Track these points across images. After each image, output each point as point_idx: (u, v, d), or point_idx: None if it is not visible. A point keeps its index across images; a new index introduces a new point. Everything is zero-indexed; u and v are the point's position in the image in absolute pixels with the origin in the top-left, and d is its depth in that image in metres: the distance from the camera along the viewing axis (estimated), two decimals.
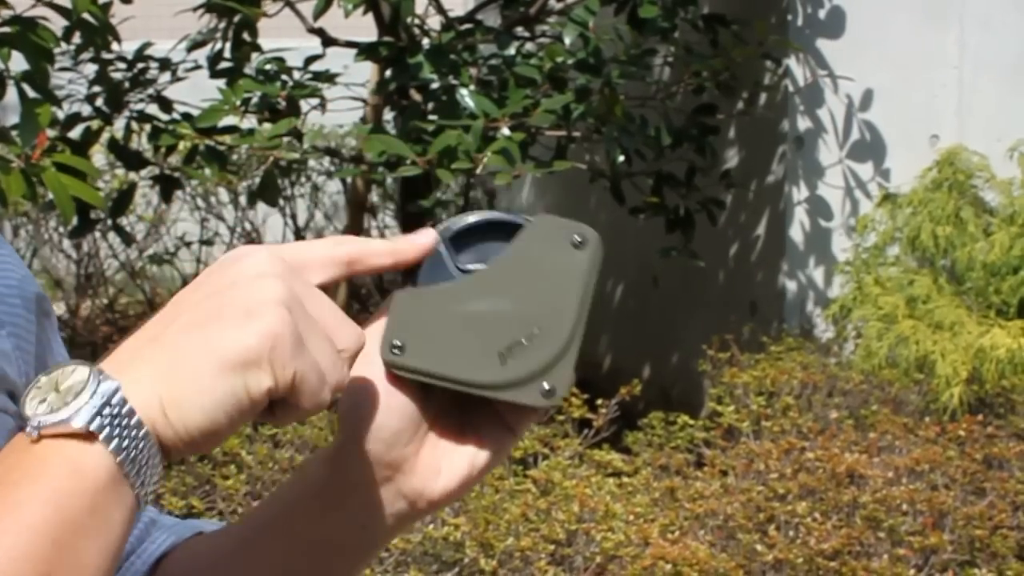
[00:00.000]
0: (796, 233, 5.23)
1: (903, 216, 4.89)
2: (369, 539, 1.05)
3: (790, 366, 4.49)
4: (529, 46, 5.15)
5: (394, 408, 1.01)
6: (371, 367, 1.01)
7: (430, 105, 4.79)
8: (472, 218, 1.04)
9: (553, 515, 3.54)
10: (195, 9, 4.83)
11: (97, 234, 6.72)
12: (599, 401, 4.23)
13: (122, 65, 4.85)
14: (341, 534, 1.04)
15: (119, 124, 4.81)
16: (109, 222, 4.95)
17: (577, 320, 1.03)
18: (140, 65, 4.86)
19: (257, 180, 4.73)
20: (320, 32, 5.00)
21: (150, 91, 4.83)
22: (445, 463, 1.03)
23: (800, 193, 5.21)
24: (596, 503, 3.60)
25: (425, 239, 1.01)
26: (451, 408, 1.04)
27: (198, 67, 4.85)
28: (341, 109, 5.05)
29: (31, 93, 3.80)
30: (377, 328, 1.02)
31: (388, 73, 4.89)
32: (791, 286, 5.25)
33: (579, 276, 1.03)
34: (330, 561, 1.05)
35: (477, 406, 1.04)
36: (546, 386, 1.02)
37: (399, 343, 1.01)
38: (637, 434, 4.29)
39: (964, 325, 4.50)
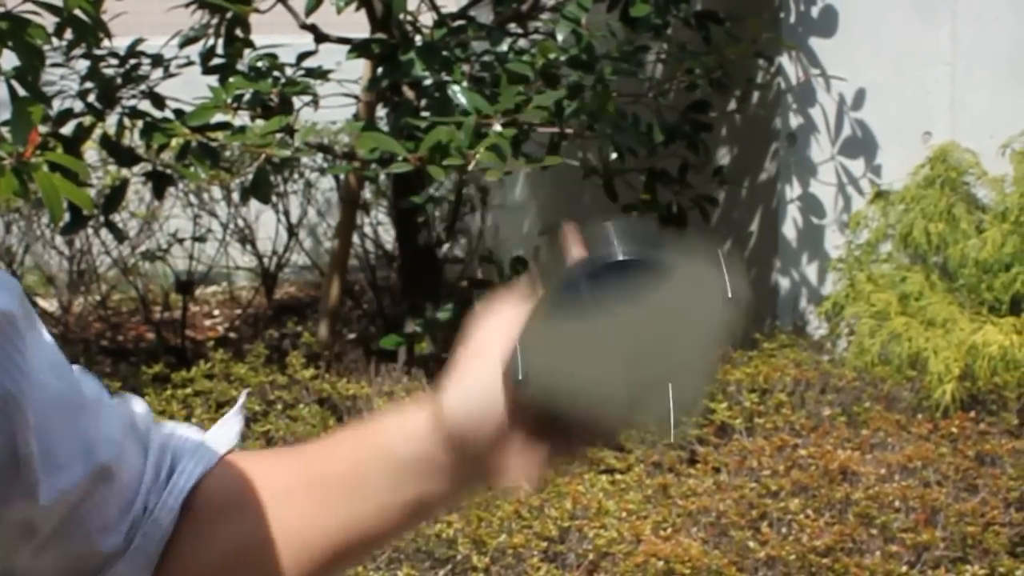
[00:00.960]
0: (789, 230, 5.23)
1: (895, 213, 4.89)
2: (440, 505, 1.11)
3: (783, 363, 4.49)
4: (522, 43, 5.15)
5: (501, 405, 1.05)
6: (487, 360, 1.04)
7: (423, 102, 4.78)
8: (620, 255, 0.97)
9: (546, 512, 3.53)
10: (187, 5, 4.82)
11: (89, 231, 6.70)
12: None
13: (114, 61, 4.84)
14: (415, 500, 1.09)
15: (111, 120, 4.80)
16: (101, 219, 4.95)
17: (709, 378, 1.02)
18: (132, 61, 4.85)
19: (250, 177, 4.72)
20: (312, 28, 4.99)
21: (142, 87, 4.83)
22: (532, 451, 1.07)
23: (793, 190, 5.21)
24: (589, 500, 3.60)
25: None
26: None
27: (190, 63, 4.84)
28: (334, 106, 5.04)
29: (21, 92, 3.79)
30: (502, 324, 1.04)
31: (380, 70, 4.88)
32: (784, 283, 5.25)
33: (723, 331, 1.01)
34: (397, 521, 1.10)
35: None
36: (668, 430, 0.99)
37: (527, 372, 0.99)
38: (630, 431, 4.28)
39: (956, 322, 4.50)
